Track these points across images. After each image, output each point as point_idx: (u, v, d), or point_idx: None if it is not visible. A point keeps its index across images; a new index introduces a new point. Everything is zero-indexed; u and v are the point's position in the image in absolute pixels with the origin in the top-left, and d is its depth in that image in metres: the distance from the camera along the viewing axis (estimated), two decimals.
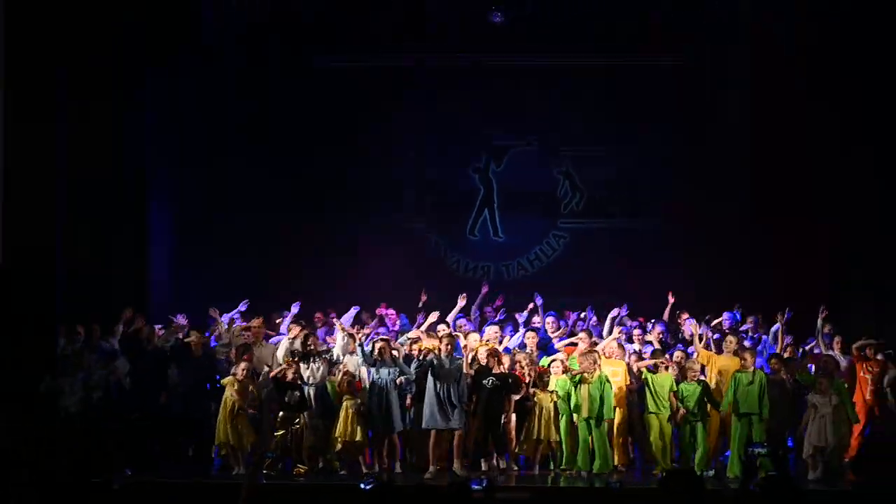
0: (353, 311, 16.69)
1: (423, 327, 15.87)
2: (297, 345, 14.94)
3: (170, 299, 18.66)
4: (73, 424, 14.81)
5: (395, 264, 19.73)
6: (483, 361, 14.63)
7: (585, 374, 14.29)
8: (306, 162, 20.44)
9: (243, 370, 14.71)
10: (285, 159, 20.34)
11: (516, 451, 15.04)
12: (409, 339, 15.52)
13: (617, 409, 14.61)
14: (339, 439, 14.47)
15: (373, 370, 14.65)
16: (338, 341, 15.28)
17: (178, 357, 15.69)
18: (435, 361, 14.28)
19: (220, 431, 14.66)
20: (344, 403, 14.52)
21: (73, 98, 16.65)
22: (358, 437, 14.48)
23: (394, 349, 14.79)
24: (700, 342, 15.20)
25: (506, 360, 14.84)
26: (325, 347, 15.37)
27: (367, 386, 14.65)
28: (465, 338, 15.52)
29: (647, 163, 20.28)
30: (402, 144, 20.80)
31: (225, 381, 14.86)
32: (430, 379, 14.22)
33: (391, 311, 17.68)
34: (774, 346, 15.86)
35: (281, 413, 14.49)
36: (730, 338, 15.26)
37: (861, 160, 18.47)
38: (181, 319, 16.38)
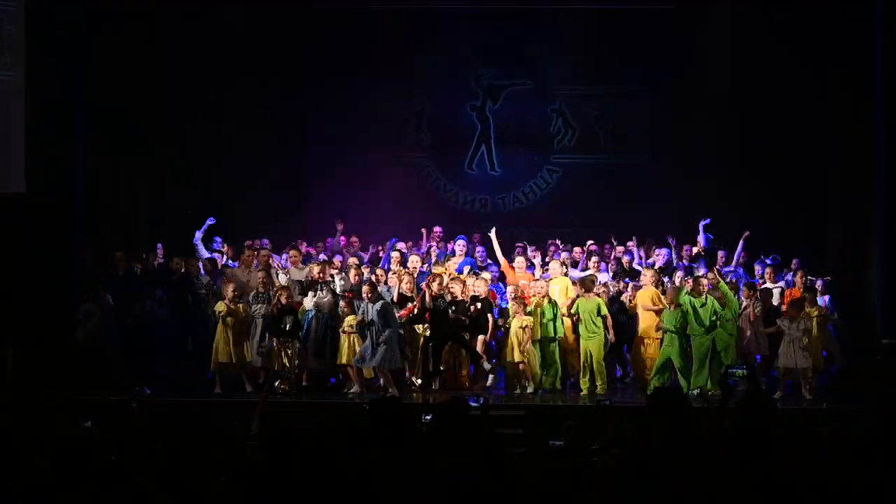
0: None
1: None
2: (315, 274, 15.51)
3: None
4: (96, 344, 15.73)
5: (396, 197, 20.56)
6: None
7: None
8: (311, 102, 21.03)
9: (232, 292, 15.23)
10: (291, 98, 20.89)
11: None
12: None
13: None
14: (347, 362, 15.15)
15: None
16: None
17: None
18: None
19: (220, 353, 15.25)
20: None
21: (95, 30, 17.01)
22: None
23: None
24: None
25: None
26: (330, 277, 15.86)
27: None
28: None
29: (634, 101, 21.01)
30: (405, 83, 21.37)
31: (218, 306, 15.34)
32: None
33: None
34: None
35: (277, 338, 15.10)
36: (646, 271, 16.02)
37: (842, 100, 19.03)
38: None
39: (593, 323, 15.11)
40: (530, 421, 13.21)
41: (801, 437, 7.89)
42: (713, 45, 20.15)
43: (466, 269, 16.16)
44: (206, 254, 17.24)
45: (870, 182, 17.45)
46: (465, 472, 6.42)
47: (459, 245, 16.99)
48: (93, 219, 17.33)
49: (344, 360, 15.23)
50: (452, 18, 20.85)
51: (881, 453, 6.81)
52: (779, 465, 6.77)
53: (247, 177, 20.42)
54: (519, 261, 16.36)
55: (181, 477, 8.21)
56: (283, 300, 15.14)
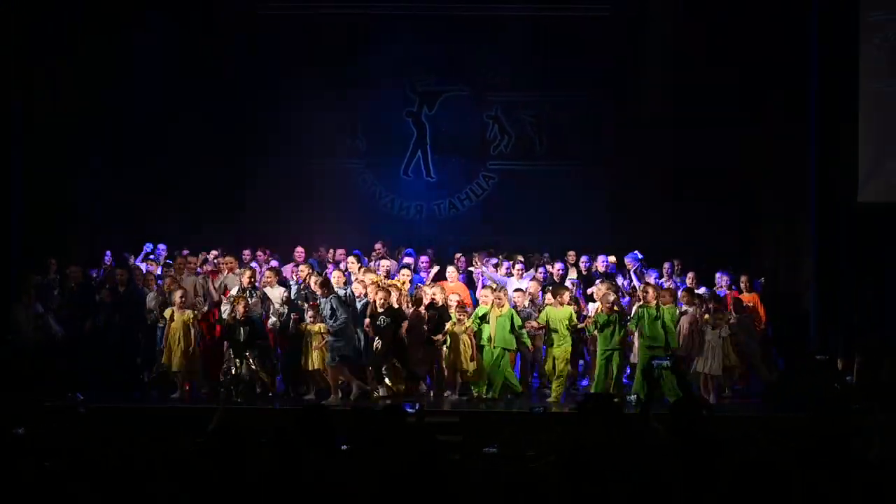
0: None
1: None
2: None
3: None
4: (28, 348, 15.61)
5: (332, 204, 20.45)
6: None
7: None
8: (247, 106, 20.90)
9: (180, 298, 15.33)
10: (225, 104, 20.66)
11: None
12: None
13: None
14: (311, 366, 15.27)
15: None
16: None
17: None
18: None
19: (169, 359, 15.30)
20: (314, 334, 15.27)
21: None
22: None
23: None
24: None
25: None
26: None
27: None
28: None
29: (571, 108, 21.11)
30: (341, 89, 21.05)
31: (166, 311, 15.39)
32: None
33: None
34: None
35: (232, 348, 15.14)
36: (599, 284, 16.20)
37: (777, 110, 19.39)
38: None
39: (562, 332, 15.29)
40: (466, 428, 13.29)
41: (736, 442, 8.01)
42: (649, 53, 20.30)
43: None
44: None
45: (803, 192, 17.77)
46: (402, 478, 6.47)
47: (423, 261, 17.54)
48: (30, 227, 17.21)
49: (314, 366, 15.31)
50: (388, 24, 20.79)
51: (819, 464, 6.94)
52: (717, 470, 6.88)
53: (182, 183, 20.32)
54: (450, 270, 16.90)
55: (123, 482, 8.19)
56: (241, 310, 15.11)
